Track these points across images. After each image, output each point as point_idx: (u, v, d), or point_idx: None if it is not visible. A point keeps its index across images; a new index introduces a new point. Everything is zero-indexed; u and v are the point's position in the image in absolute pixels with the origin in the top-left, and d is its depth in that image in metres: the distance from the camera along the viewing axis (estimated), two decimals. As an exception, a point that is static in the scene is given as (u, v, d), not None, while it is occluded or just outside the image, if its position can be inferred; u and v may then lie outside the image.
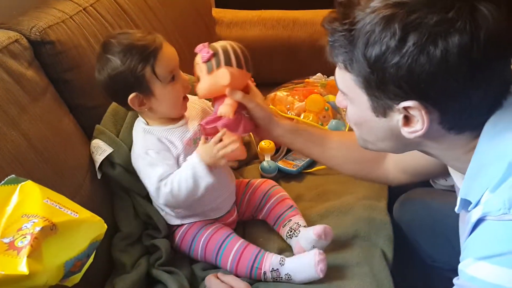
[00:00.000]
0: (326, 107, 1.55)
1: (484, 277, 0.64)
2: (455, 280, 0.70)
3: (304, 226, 1.11)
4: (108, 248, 1.09)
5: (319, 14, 2.02)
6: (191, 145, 1.08)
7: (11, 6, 1.18)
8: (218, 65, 0.99)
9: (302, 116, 1.52)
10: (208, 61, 1.00)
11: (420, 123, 0.69)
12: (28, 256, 0.63)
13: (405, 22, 0.63)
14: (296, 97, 1.62)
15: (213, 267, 1.09)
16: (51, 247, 0.66)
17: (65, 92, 1.12)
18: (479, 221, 0.67)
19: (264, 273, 1.02)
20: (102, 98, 1.17)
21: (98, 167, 1.10)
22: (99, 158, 1.10)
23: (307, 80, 1.75)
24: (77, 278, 0.71)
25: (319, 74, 1.80)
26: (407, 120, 0.71)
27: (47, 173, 0.97)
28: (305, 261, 1.00)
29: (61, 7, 1.16)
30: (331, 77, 1.89)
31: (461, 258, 0.70)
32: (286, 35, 1.96)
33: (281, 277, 1.01)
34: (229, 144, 0.98)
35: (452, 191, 1.10)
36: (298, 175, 1.39)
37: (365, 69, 0.68)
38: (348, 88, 0.75)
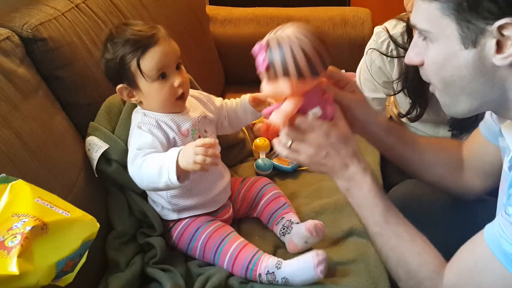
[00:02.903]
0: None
1: None
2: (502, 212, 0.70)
3: (297, 223, 1.10)
4: (102, 247, 1.08)
5: (313, 12, 2.04)
6: (188, 135, 1.08)
7: (2, 3, 1.16)
8: (276, 76, 0.86)
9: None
10: (265, 70, 0.87)
11: None
12: (19, 256, 0.62)
13: None
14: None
15: (210, 264, 1.08)
16: (42, 246, 0.65)
17: (58, 89, 1.11)
18: None
19: (259, 275, 1.01)
20: (95, 96, 1.16)
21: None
22: (95, 155, 1.09)
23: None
24: (69, 278, 0.70)
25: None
26: (500, 47, 0.69)
27: (39, 172, 0.96)
28: (304, 264, 0.98)
29: (53, 3, 1.15)
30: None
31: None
32: (280, 32, 1.95)
33: (277, 281, 1.00)
34: (210, 153, 0.92)
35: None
36: (293, 173, 1.39)
37: None
38: (433, 21, 0.72)
